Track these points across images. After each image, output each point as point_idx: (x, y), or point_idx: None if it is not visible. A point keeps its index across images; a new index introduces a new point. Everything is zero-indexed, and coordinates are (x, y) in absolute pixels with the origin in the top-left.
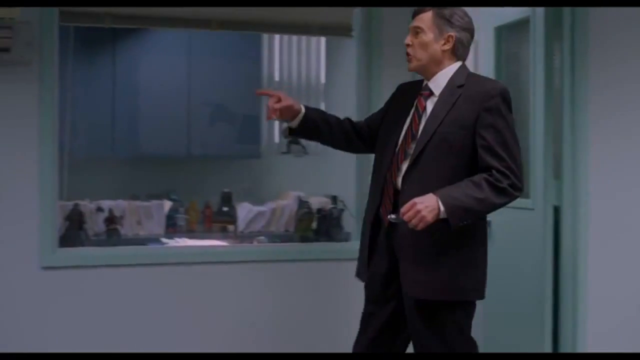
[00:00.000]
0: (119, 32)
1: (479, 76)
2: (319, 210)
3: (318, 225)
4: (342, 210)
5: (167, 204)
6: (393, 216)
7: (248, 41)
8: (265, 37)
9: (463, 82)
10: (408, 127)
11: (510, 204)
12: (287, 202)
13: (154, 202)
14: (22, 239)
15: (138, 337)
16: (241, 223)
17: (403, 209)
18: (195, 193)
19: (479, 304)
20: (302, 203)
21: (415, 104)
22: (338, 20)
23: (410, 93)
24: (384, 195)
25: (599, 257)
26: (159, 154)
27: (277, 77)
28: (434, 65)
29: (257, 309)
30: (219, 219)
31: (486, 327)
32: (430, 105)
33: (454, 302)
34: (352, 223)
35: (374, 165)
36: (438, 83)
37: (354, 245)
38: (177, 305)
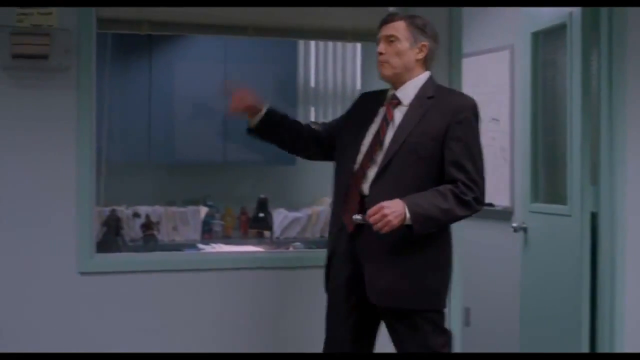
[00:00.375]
0: (155, 39)
1: (448, 89)
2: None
3: None
4: None
5: (203, 210)
6: (359, 217)
7: (284, 47)
8: (301, 43)
9: (432, 93)
10: (375, 135)
11: (547, 210)
12: (323, 208)
13: (190, 208)
14: (60, 245)
15: (174, 342)
16: (277, 229)
17: (370, 212)
18: (231, 199)
19: (516, 310)
20: None
21: (383, 112)
22: (373, 26)
23: (373, 102)
24: (348, 201)
25: (637, 263)
26: (195, 160)
27: (312, 83)
28: (405, 74)
29: (293, 314)
30: (254, 225)
31: (523, 332)
32: (398, 114)
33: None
34: None
35: (336, 172)
36: (407, 93)
37: None
38: (213, 311)
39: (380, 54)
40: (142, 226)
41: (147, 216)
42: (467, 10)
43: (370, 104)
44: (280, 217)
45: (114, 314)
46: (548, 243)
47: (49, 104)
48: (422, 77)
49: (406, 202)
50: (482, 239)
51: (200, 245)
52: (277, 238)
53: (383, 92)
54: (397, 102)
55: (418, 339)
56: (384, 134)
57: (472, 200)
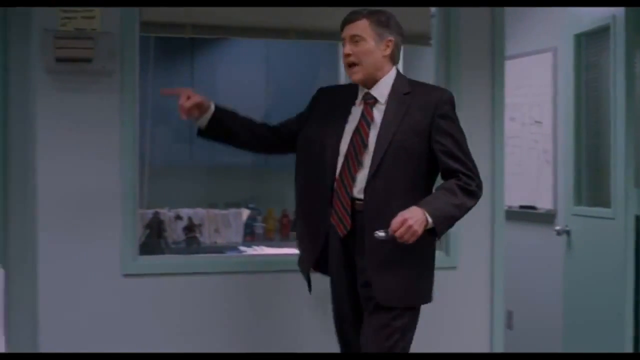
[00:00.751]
0: (197, 42)
1: (420, 82)
2: None
3: None
4: None
5: (245, 213)
6: (382, 234)
7: (325, 49)
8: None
9: (408, 89)
10: (355, 136)
11: (591, 214)
12: None
13: (232, 210)
14: (105, 247)
15: (216, 343)
16: None
17: (394, 226)
18: (273, 201)
19: (558, 312)
20: None
21: (360, 112)
22: (416, 29)
23: (340, 99)
24: (337, 205)
25: None
26: (237, 162)
27: None
28: (376, 73)
29: None
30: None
31: (566, 334)
32: (377, 113)
33: (411, 306)
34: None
35: (307, 173)
36: (381, 91)
37: (448, 255)
38: (254, 313)
39: (347, 55)
40: (185, 228)
41: (190, 218)
42: (509, 12)
43: (336, 101)
44: None
45: (156, 316)
46: (591, 246)
47: (93, 107)
48: (392, 73)
49: (424, 208)
50: (524, 242)
51: (242, 248)
52: None
53: (345, 88)
54: (374, 101)
55: (386, 338)
56: (367, 135)
57: (476, 189)
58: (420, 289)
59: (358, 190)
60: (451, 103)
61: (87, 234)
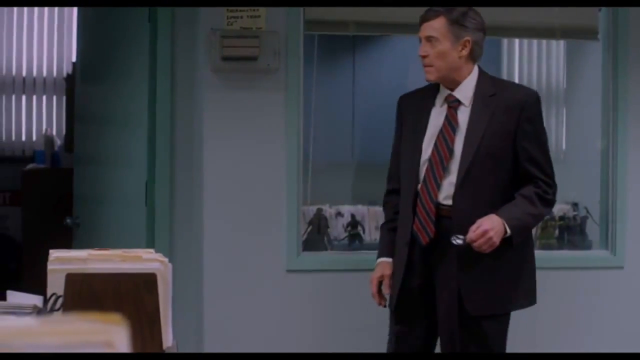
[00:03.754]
0: (359, 39)
1: (504, 81)
2: (561, 218)
3: (560, 233)
4: (585, 217)
5: None
6: (460, 240)
7: (488, 45)
8: (504, 41)
9: (493, 90)
10: (439, 141)
11: None
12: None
13: None
14: (268, 243)
15: (378, 341)
16: None
17: (473, 236)
18: None
19: None
20: None
21: (443, 115)
22: (583, 23)
23: (419, 102)
24: (420, 212)
25: None
26: None
27: (516, 81)
28: (455, 74)
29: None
30: None
31: None
32: (462, 117)
33: (506, 313)
34: (596, 231)
35: (401, 184)
36: (464, 93)
37: (597, 254)
38: None
39: (423, 57)
40: (347, 225)
41: (353, 215)
42: None
43: (416, 105)
44: None
45: (318, 312)
46: None
47: (258, 105)
48: (474, 73)
49: (503, 217)
50: None
51: None
52: None
53: (425, 90)
54: (458, 104)
55: (488, 347)
56: (453, 141)
57: (552, 198)
58: (518, 295)
59: (444, 197)
60: (538, 103)
61: (251, 230)
